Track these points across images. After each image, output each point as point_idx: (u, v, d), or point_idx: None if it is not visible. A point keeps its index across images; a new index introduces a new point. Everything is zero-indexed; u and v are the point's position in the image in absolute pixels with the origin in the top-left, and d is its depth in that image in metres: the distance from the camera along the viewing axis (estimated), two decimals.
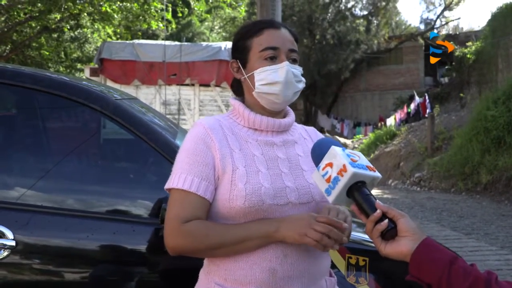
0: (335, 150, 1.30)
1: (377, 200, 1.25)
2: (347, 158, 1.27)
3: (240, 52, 1.59)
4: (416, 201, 10.57)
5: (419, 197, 11.19)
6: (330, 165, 1.29)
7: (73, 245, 2.14)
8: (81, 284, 2.14)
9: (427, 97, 19.59)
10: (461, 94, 19.42)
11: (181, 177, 1.44)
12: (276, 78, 1.51)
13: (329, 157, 1.30)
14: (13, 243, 2.03)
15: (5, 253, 2.03)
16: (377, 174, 1.29)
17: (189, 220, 1.41)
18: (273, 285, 1.42)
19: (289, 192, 1.47)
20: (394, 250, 1.20)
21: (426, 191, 12.24)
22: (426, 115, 16.70)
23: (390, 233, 1.21)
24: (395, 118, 20.48)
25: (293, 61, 1.56)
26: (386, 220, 1.21)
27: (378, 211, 1.22)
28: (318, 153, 1.36)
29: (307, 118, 29.95)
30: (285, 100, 1.54)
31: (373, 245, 2.32)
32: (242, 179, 1.43)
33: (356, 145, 18.76)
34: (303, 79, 1.59)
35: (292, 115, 1.64)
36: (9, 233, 2.04)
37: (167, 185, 1.48)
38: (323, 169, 1.30)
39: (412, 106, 20.37)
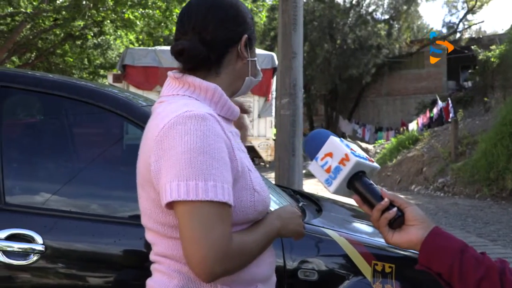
0: (334, 140, 1.26)
1: (382, 189, 1.23)
2: (348, 148, 1.24)
3: (251, 30, 1.36)
4: (440, 207, 10.43)
5: (443, 203, 11.03)
6: (330, 155, 1.24)
7: (100, 250, 2.17)
8: None
9: (450, 102, 19.36)
10: (485, 98, 19.11)
11: (218, 186, 1.14)
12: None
13: (329, 147, 1.25)
14: (42, 248, 2.06)
15: (35, 258, 2.06)
16: (376, 165, 1.27)
17: (231, 237, 1.16)
18: (270, 277, 1.38)
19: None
20: (402, 239, 1.17)
21: (450, 197, 12.05)
22: (449, 120, 16.48)
23: (398, 222, 1.18)
24: (417, 123, 20.27)
25: None
26: (395, 208, 1.18)
27: (386, 199, 1.19)
28: (314, 143, 1.30)
29: (328, 123, 29.85)
30: None
31: (399, 251, 2.31)
32: (256, 182, 1.29)
33: (378, 150, 18.60)
34: None
35: None
36: (38, 238, 2.07)
37: (197, 196, 1.12)
38: (321, 159, 1.25)
39: (435, 110, 20.14)
